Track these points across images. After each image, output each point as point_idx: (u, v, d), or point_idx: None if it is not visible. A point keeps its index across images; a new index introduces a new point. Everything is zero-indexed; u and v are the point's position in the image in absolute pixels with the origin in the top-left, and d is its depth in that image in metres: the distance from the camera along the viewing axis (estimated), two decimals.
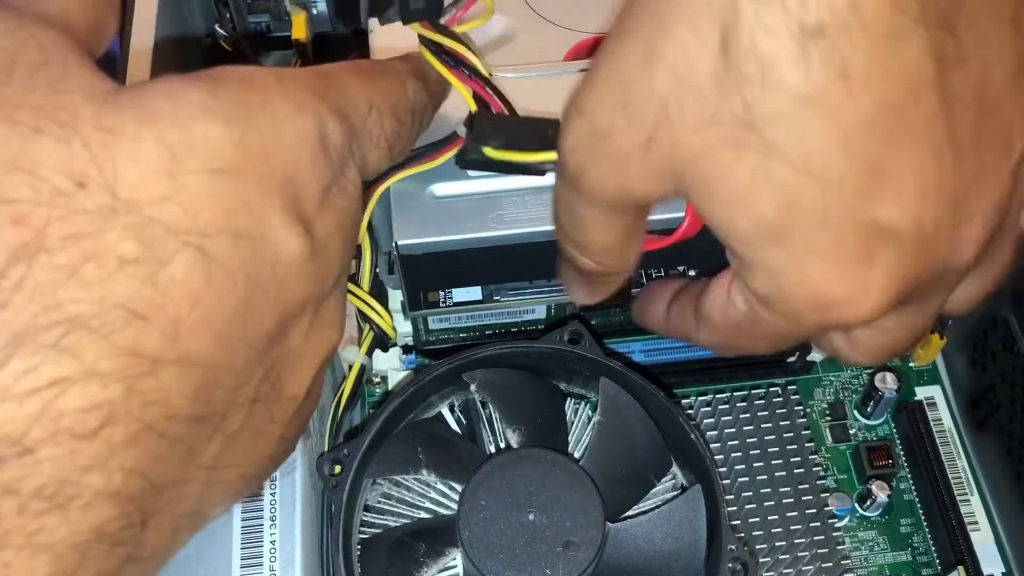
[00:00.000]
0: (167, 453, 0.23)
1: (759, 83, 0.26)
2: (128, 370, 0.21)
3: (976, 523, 0.44)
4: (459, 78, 0.34)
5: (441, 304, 0.40)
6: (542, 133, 0.33)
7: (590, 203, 0.32)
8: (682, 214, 0.37)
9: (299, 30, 0.52)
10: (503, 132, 0.34)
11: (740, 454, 0.43)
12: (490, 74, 0.35)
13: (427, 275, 0.38)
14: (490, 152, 0.34)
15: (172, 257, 0.22)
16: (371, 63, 0.33)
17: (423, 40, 0.34)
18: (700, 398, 0.44)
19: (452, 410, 0.41)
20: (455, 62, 0.34)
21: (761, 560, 0.40)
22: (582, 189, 0.31)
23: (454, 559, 0.37)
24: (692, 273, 0.41)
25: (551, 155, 0.33)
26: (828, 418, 0.46)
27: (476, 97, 0.35)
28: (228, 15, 0.53)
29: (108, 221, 0.22)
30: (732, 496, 0.41)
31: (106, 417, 0.21)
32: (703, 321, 0.34)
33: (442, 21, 0.33)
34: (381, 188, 0.37)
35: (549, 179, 0.41)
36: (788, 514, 0.41)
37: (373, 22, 0.43)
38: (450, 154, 0.37)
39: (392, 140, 0.32)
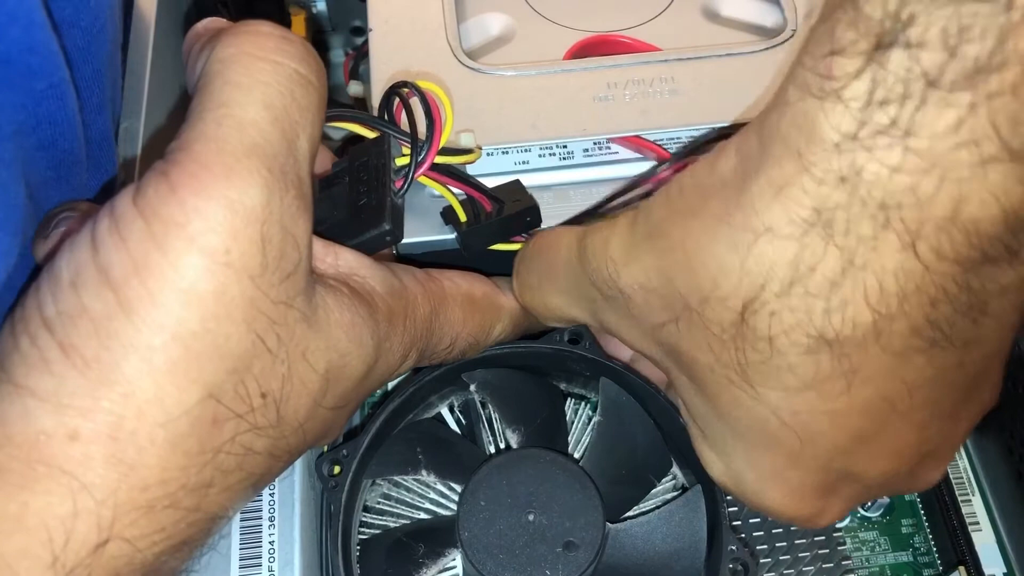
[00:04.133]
0: None
1: (764, 358, 0.26)
2: None
3: (977, 523, 0.43)
4: (450, 185, 0.36)
5: None
6: (521, 222, 0.37)
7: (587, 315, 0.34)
8: None
9: (299, 30, 0.51)
10: (490, 236, 0.37)
11: None
12: (479, 147, 0.38)
13: None
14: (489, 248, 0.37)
15: None
16: (486, 292, 0.36)
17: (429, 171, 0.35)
18: None
19: (452, 410, 0.41)
20: (448, 175, 0.36)
21: (762, 561, 0.40)
22: (588, 307, 0.33)
23: (453, 560, 0.37)
24: None
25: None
26: None
27: (465, 199, 0.37)
28: (227, 16, 0.53)
29: None
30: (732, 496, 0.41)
31: None
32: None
33: (424, 152, 0.34)
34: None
35: (546, 179, 0.41)
36: None
37: (372, 21, 0.43)
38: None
39: (448, 360, 0.36)
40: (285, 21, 0.53)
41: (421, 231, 0.38)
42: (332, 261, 0.29)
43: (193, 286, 0.23)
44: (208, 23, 0.28)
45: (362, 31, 0.56)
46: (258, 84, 0.25)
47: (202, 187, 0.23)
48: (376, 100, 0.41)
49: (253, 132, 0.25)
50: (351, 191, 0.32)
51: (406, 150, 0.34)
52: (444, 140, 0.34)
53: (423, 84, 0.34)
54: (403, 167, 0.33)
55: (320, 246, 0.29)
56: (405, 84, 0.34)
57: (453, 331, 0.34)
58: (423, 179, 0.34)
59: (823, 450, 0.28)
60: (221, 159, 0.24)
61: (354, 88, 0.52)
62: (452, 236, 0.38)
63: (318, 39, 0.56)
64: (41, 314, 0.24)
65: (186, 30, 0.29)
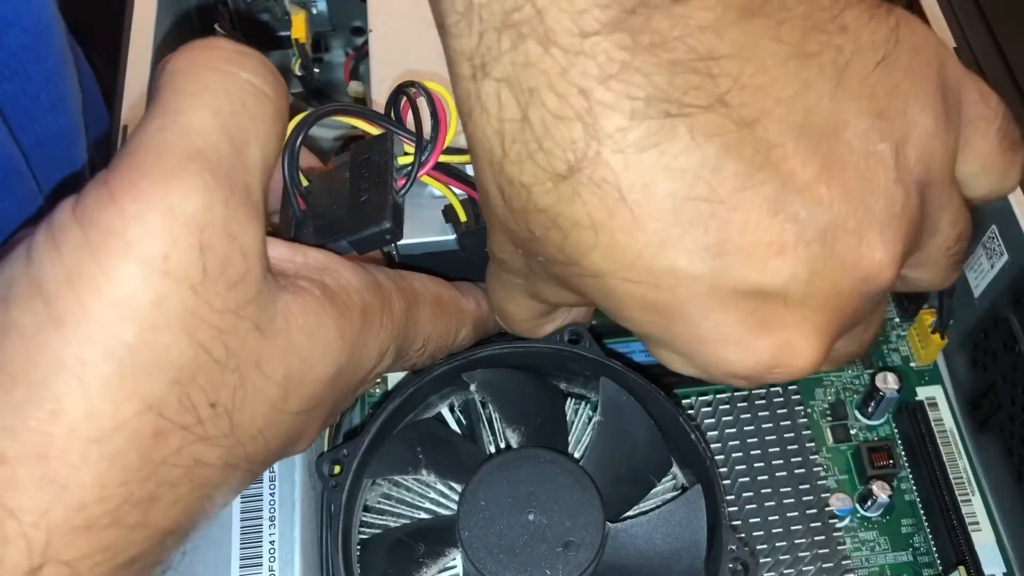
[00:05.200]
0: None
1: (564, 240, 0.25)
2: None
3: (977, 523, 0.43)
4: (452, 185, 0.36)
5: None
6: None
7: (516, 293, 0.33)
8: None
9: (299, 30, 0.52)
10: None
11: (740, 454, 0.42)
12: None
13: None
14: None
15: None
16: (452, 296, 0.35)
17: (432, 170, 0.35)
18: (700, 398, 0.44)
19: (452, 410, 0.41)
20: (449, 175, 0.36)
21: (762, 560, 0.40)
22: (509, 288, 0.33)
23: (454, 559, 0.37)
24: None
25: None
26: (829, 418, 0.46)
27: (466, 199, 0.37)
28: (228, 15, 0.53)
29: None
30: (732, 496, 0.41)
31: None
32: None
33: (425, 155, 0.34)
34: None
35: None
36: (789, 514, 0.41)
37: (372, 21, 0.43)
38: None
39: (419, 365, 0.35)
40: (285, 20, 0.53)
41: (420, 232, 0.38)
42: (301, 260, 0.29)
43: (129, 297, 0.23)
44: (178, 49, 0.28)
45: (362, 31, 0.56)
46: (205, 91, 0.25)
47: (140, 193, 0.23)
48: (376, 100, 0.41)
49: (197, 138, 0.24)
50: (352, 187, 0.32)
51: (408, 148, 0.33)
52: (448, 141, 0.34)
53: (430, 85, 0.34)
54: (406, 166, 0.33)
55: (284, 248, 0.29)
56: (412, 84, 0.34)
57: (425, 332, 0.33)
58: (426, 178, 0.34)
59: (693, 283, 0.25)
60: (161, 164, 0.23)
61: (354, 88, 0.52)
62: (451, 237, 0.38)
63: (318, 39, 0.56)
64: None
65: (187, 32, 0.29)
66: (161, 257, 0.23)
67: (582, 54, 0.23)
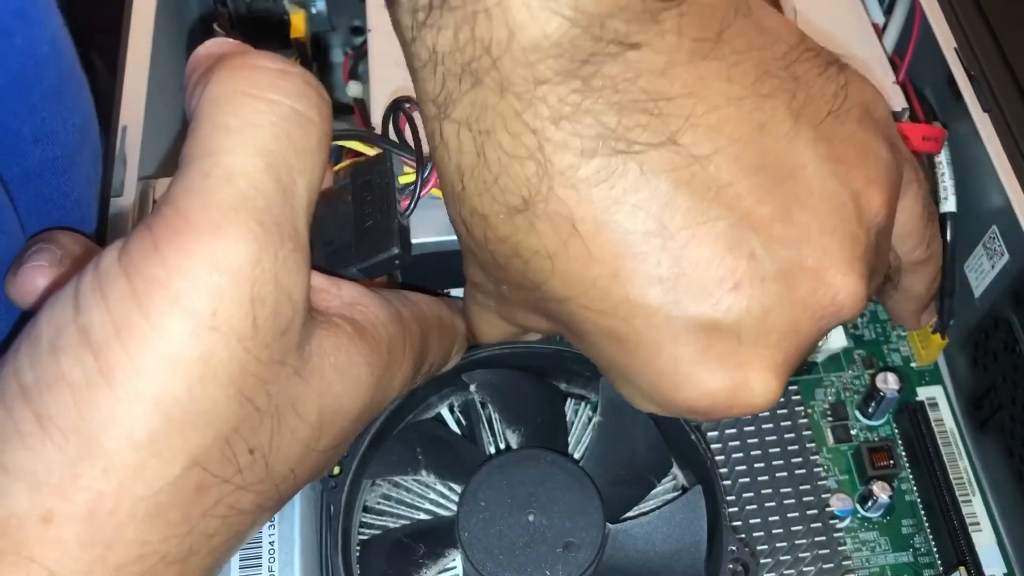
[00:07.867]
0: None
1: (526, 266, 0.27)
2: None
3: (978, 524, 0.43)
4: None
5: None
6: None
7: (489, 314, 0.34)
8: None
9: (298, 30, 0.51)
10: None
11: (741, 454, 0.42)
12: None
13: (427, 275, 0.38)
14: None
15: None
16: (449, 316, 0.35)
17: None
18: None
19: (452, 411, 0.41)
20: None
21: (762, 561, 0.40)
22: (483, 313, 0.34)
23: (453, 560, 0.36)
24: None
25: None
26: (829, 418, 0.46)
27: None
28: (227, 15, 0.53)
29: None
30: (733, 497, 0.41)
31: None
32: None
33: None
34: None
35: None
36: (789, 515, 0.41)
37: (371, 21, 0.43)
38: None
39: (419, 383, 0.35)
40: (284, 20, 0.53)
41: (424, 232, 0.38)
42: (336, 293, 0.28)
43: (177, 352, 0.22)
44: (209, 49, 0.26)
45: (361, 31, 0.56)
46: (249, 127, 0.24)
47: (185, 245, 0.22)
48: (375, 100, 0.41)
49: (243, 183, 0.23)
50: (356, 212, 0.32)
51: (408, 167, 0.33)
52: None
53: None
54: (408, 185, 0.33)
55: (323, 280, 0.28)
56: (408, 99, 0.33)
57: (432, 353, 0.33)
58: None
59: (645, 316, 0.26)
60: (207, 214, 0.22)
61: (353, 88, 0.52)
62: (452, 238, 0.37)
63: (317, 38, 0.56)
64: (18, 381, 0.22)
65: (186, 33, 0.29)
66: (209, 312, 0.22)
67: (535, 99, 0.24)
